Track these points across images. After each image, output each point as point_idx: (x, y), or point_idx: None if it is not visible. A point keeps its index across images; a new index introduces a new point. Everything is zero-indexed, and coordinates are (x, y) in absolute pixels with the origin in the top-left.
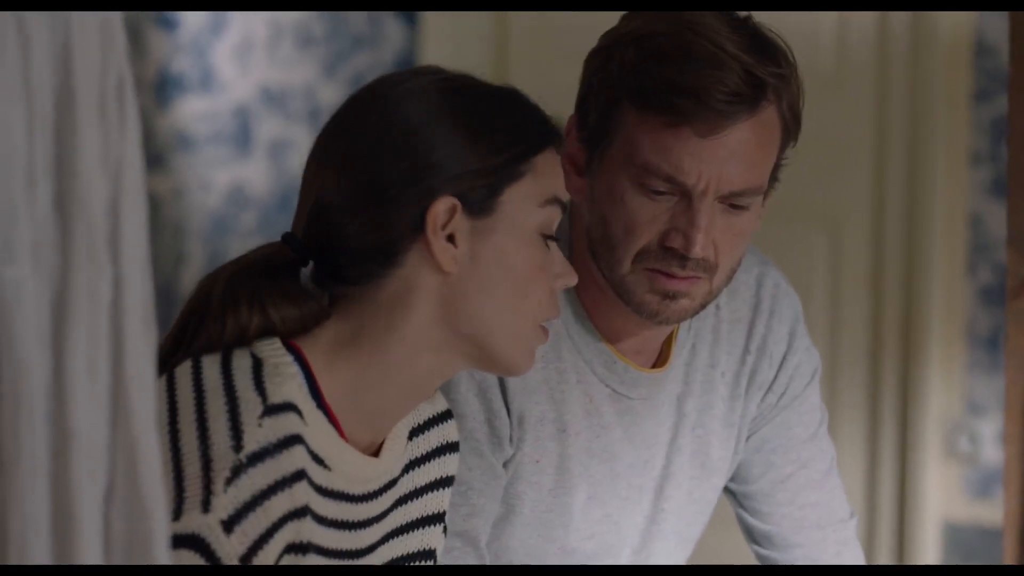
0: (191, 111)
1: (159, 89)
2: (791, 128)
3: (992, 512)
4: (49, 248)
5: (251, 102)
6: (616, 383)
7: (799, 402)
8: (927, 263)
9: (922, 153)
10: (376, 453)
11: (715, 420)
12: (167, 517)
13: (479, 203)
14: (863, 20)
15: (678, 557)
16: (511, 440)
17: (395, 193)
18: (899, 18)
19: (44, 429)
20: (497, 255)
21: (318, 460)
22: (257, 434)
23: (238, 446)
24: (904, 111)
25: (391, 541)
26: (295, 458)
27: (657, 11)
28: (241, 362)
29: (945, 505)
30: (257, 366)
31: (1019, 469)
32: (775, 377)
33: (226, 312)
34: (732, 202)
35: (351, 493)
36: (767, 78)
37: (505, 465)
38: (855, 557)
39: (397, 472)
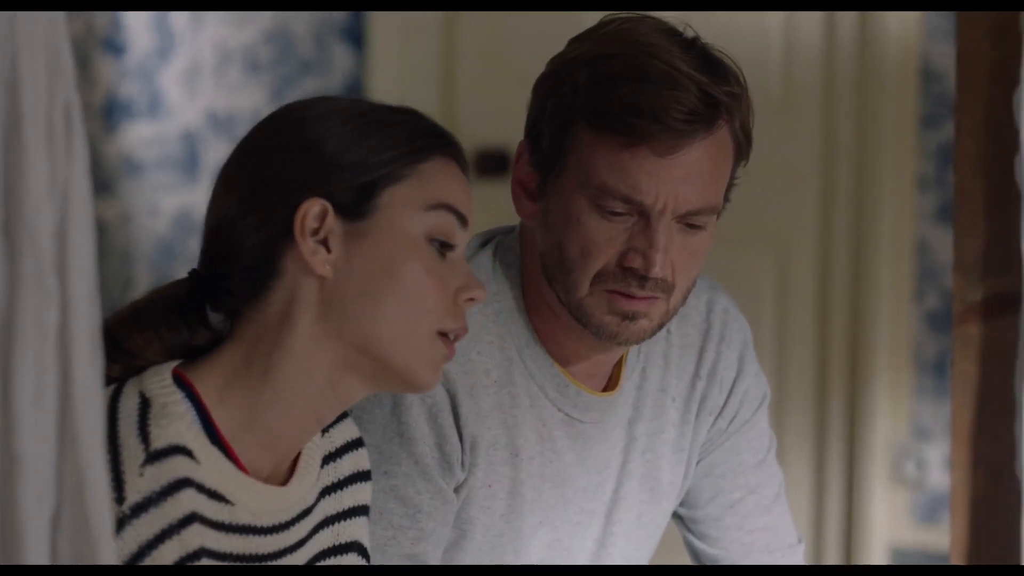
0: (139, 136)
1: (107, 114)
2: (743, 147)
3: (938, 537)
4: None
5: (199, 127)
6: (569, 407)
7: (748, 427)
8: (874, 288)
9: (869, 178)
10: (285, 481)
11: (665, 445)
12: (114, 541)
13: (352, 205)
14: (811, 44)
15: None
16: (463, 465)
17: (269, 197)
18: (846, 43)
19: None
20: (376, 259)
21: (217, 497)
22: (139, 484)
23: (120, 498)
24: (851, 136)
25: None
26: (182, 503)
27: (606, 33)
28: (128, 404)
29: (892, 530)
30: (144, 408)
31: (965, 494)
32: (725, 402)
33: (125, 344)
34: (689, 221)
35: (259, 526)
36: (721, 97)
37: (457, 490)
38: None
39: (312, 500)
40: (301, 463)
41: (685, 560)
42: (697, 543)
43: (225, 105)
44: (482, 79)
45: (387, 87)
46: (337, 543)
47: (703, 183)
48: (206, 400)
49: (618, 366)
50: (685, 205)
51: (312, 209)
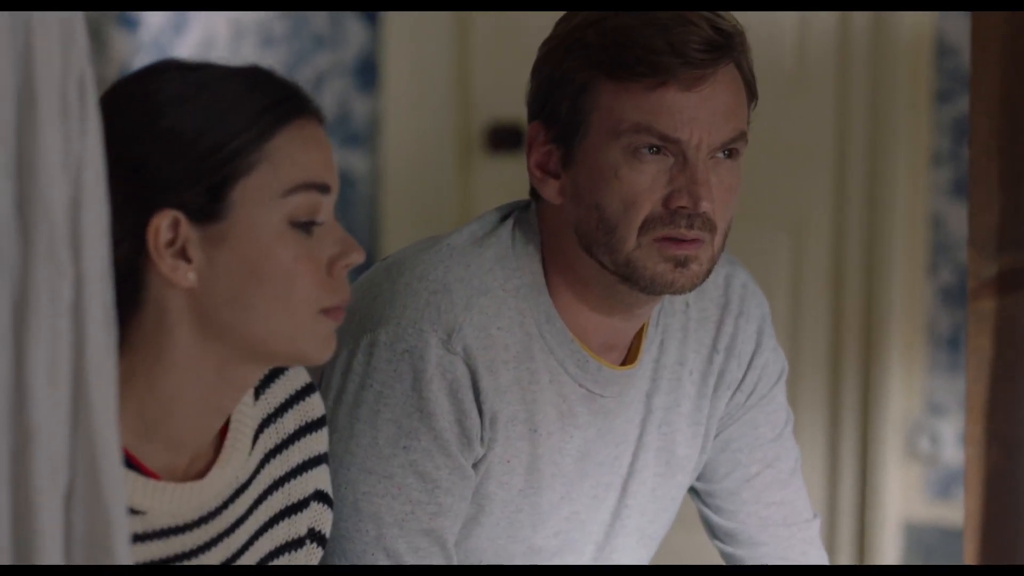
0: None
1: None
2: (752, 86)
3: (953, 512)
4: (10, 249)
5: None
6: (590, 382)
7: (766, 401)
8: (888, 264)
9: (883, 154)
10: (210, 464)
11: (681, 418)
12: (127, 515)
13: (204, 209)
14: (824, 21)
15: (641, 554)
16: (482, 440)
17: (116, 215)
18: (860, 19)
19: (4, 428)
20: (238, 262)
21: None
22: None
23: None
24: (865, 112)
25: (258, 541)
26: None
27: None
28: None
29: (905, 505)
30: None
31: (979, 470)
32: (743, 377)
33: None
34: (724, 149)
35: (182, 524)
36: (731, 30)
37: (475, 466)
38: (820, 557)
39: (246, 476)
40: (227, 445)
41: (700, 536)
42: (713, 517)
43: None
44: (496, 54)
45: (401, 62)
46: (290, 503)
47: (730, 112)
48: None
49: (637, 339)
50: (719, 136)
51: (163, 223)
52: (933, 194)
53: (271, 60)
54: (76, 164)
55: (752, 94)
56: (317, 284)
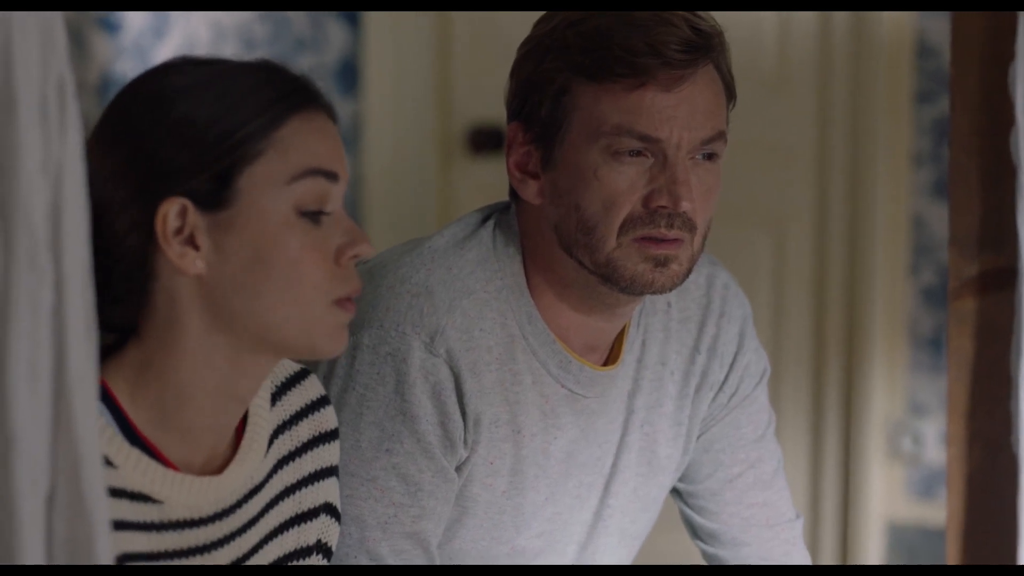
0: None
1: (101, 92)
2: (730, 87)
3: (935, 512)
4: None
5: None
6: (572, 383)
7: (748, 402)
8: (870, 264)
9: (864, 154)
10: (227, 463)
11: (663, 418)
12: (109, 520)
13: (211, 196)
14: (805, 21)
15: (622, 554)
16: (465, 443)
17: (127, 205)
18: (841, 19)
19: None
20: (246, 249)
21: (141, 499)
22: None
23: None
24: (846, 112)
25: (268, 545)
26: None
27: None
28: None
29: (888, 505)
30: None
31: (961, 469)
32: (726, 378)
33: None
34: (704, 151)
35: (198, 518)
36: (710, 31)
37: (459, 468)
38: (803, 557)
39: (261, 477)
40: (244, 443)
41: (683, 536)
42: (696, 518)
43: None
44: (477, 56)
45: (381, 64)
46: (300, 511)
47: (709, 112)
48: (120, 399)
49: (618, 340)
50: (698, 135)
51: (171, 210)
52: (914, 195)
53: None
54: (56, 168)
55: (731, 94)
56: (325, 273)
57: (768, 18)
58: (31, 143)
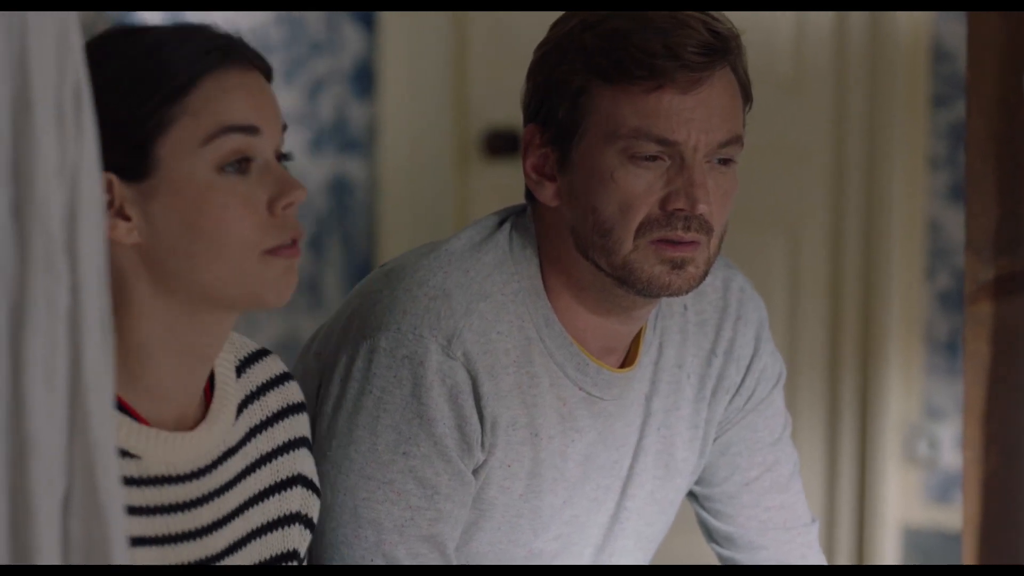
0: None
1: None
2: (747, 89)
3: (951, 516)
4: (6, 256)
5: None
6: (589, 385)
7: (764, 405)
8: (886, 268)
9: (880, 158)
10: (196, 425)
11: (680, 421)
12: (125, 521)
13: (133, 168)
14: (821, 24)
15: (639, 557)
16: (482, 446)
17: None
18: (857, 23)
19: (2, 437)
20: (171, 215)
21: (120, 454)
22: None
23: None
24: (862, 116)
25: (248, 511)
26: None
27: (589, 11)
28: None
29: (904, 509)
30: None
31: (978, 473)
32: (742, 381)
33: None
34: (720, 156)
35: (176, 474)
36: (727, 33)
37: (476, 472)
38: (819, 561)
39: (236, 440)
40: (214, 404)
41: (698, 540)
42: (712, 521)
43: None
44: (493, 59)
45: (398, 67)
46: (277, 479)
47: (726, 114)
48: None
49: (635, 342)
50: (715, 138)
51: None
52: (930, 198)
53: None
54: (72, 171)
55: (747, 97)
56: (256, 226)
57: (784, 21)
58: (47, 146)
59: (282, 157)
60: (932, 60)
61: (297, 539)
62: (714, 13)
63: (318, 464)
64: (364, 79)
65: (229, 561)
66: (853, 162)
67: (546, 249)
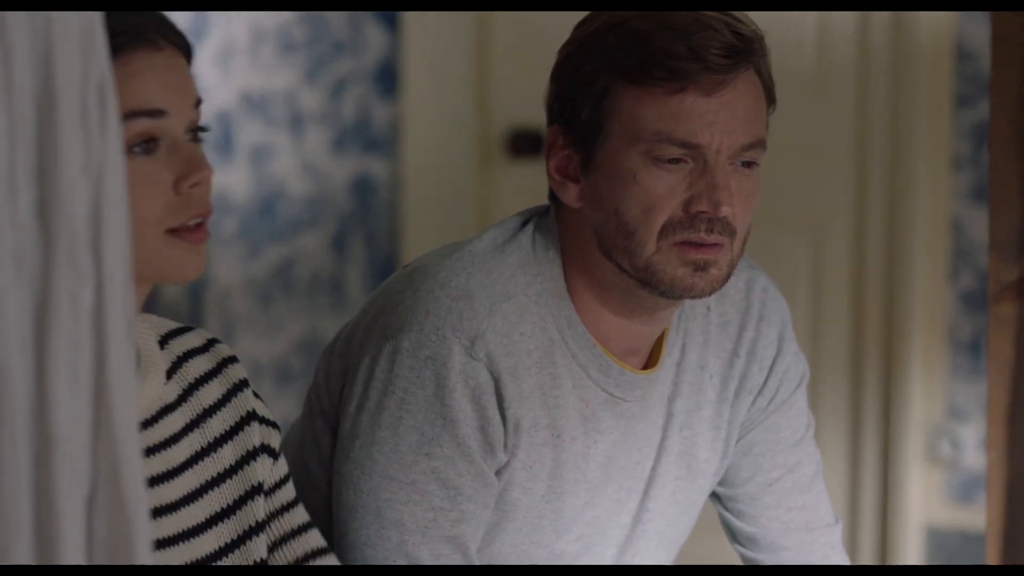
0: None
1: None
2: (770, 91)
3: (974, 517)
4: (31, 254)
5: (232, 108)
6: (612, 387)
7: (787, 406)
8: (909, 268)
9: (903, 158)
10: None
11: (703, 422)
12: (149, 520)
13: None
14: (844, 25)
15: (661, 558)
16: (505, 447)
17: None
18: (880, 23)
19: (26, 436)
20: None
21: None
22: None
23: None
24: (885, 116)
25: (203, 462)
26: None
27: (612, 12)
28: None
29: (927, 510)
30: None
31: (1001, 474)
32: (764, 382)
33: None
34: (743, 158)
35: None
36: (751, 35)
37: (498, 473)
38: (842, 562)
39: (171, 399)
40: (142, 365)
41: (720, 540)
42: (735, 522)
43: (259, 86)
44: (516, 59)
45: (421, 67)
46: (231, 424)
47: (750, 117)
48: None
49: (658, 343)
50: (739, 141)
51: None
52: (953, 199)
53: (291, 66)
54: (97, 169)
55: (771, 99)
56: (160, 205)
57: (808, 22)
58: (72, 144)
59: (197, 130)
60: (955, 60)
61: (261, 471)
62: (738, 14)
63: (341, 465)
64: (387, 79)
65: (192, 506)
66: (876, 163)
67: (569, 250)
